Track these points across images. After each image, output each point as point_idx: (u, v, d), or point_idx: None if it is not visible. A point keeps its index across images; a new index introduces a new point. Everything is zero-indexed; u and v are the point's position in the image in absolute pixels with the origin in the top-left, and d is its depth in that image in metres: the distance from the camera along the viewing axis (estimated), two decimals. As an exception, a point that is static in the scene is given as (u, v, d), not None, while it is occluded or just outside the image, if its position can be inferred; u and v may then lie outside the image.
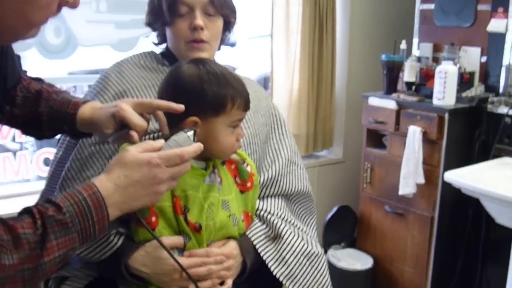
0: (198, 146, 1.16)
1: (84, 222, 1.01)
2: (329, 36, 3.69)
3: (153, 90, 1.52)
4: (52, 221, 0.98)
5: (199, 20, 1.49)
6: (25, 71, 1.45)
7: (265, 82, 4.35)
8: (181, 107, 1.24)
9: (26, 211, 1.00)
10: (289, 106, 3.65)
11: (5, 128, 2.95)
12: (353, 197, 3.86)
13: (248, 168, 1.45)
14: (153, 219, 1.29)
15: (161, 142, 1.15)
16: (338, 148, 4.05)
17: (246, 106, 1.34)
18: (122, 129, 1.25)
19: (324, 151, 4.03)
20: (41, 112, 1.37)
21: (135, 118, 1.24)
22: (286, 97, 3.63)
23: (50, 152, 3.18)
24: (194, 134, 1.21)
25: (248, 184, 1.44)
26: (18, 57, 1.39)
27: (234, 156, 1.43)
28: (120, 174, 1.07)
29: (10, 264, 0.92)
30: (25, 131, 1.45)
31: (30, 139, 3.12)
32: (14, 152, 3.11)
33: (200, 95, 1.27)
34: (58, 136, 1.54)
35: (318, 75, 3.72)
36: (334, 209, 3.71)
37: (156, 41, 1.65)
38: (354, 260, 3.57)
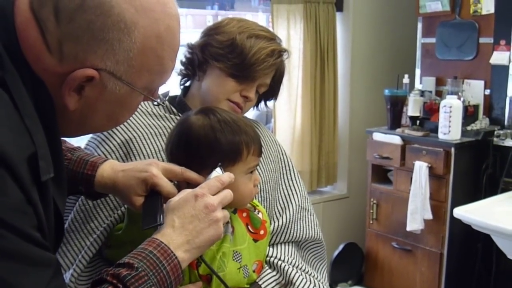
0: (229, 174, 1.17)
1: (159, 273, 0.99)
2: (331, 71, 3.69)
3: (159, 139, 1.49)
4: (131, 278, 0.96)
5: (252, 94, 1.53)
6: None
7: (267, 117, 4.33)
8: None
9: (100, 281, 0.97)
10: (292, 143, 3.62)
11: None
12: (359, 233, 3.80)
13: (260, 215, 1.41)
14: None
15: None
16: (342, 183, 4.02)
17: (260, 151, 1.31)
18: (151, 195, 1.20)
19: (328, 186, 4.00)
20: None
21: (168, 186, 1.20)
22: (288, 134, 3.61)
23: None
24: (221, 168, 1.21)
25: (261, 232, 1.40)
26: None
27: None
28: (173, 218, 1.06)
29: None
30: None
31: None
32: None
33: (215, 145, 1.24)
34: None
35: (320, 110, 3.71)
36: (341, 247, 3.66)
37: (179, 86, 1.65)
38: (362, 298, 3.50)
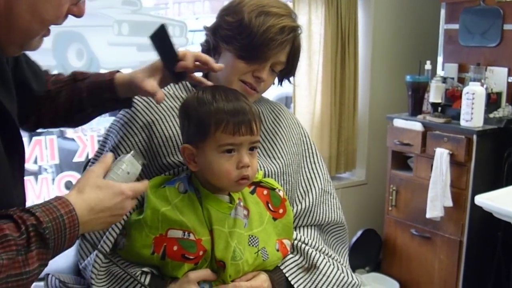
0: (145, 186, 1.20)
1: (59, 239, 1.03)
2: (351, 57, 3.66)
3: (181, 121, 1.49)
4: (34, 231, 0.99)
5: (264, 74, 1.49)
6: (46, 71, 1.48)
7: (286, 102, 4.32)
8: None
9: (6, 216, 1.00)
10: (312, 128, 3.61)
11: (27, 151, 2.94)
12: (377, 220, 3.79)
13: (281, 193, 1.41)
14: (201, 253, 1.26)
15: (109, 155, 1.22)
16: (361, 170, 4.00)
17: (236, 130, 1.23)
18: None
19: (347, 173, 3.99)
20: (80, 91, 1.38)
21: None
22: (308, 119, 3.60)
23: (71, 175, 3.16)
24: (133, 157, 1.22)
25: (281, 211, 1.40)
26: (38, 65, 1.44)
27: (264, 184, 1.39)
28: (95, 198, 1.11)
29: (1, 264, 0.93)
30: (68, 121, 1.47)
31: (50, 162, 3.11)
32: (36, 176, 3.10)
33: (188, 120, 1.28)
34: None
35: (340, 96, 3.69)
36: (359, 233, 3.65)
37: None
38: (379, 284, 3.50)
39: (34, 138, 3.00)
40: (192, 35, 3.61)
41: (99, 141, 3.19)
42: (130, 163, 1.21)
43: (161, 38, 1.24)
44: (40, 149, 3.03)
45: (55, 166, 3.22)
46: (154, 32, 1.26)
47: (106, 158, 1.20)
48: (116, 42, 3.17)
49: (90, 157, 3.10)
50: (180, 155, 1.42)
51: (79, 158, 3.16)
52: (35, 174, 3.14)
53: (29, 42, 1.12)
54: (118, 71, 1.39)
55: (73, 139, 3.22)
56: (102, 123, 3.25)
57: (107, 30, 3.11)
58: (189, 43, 3.51)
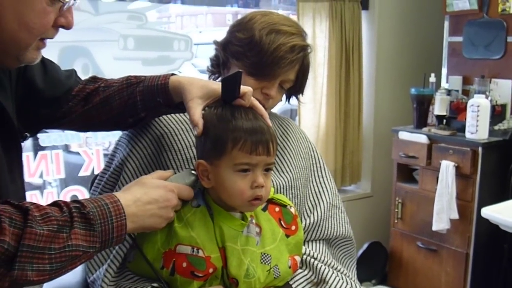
0: (190, 191, 1.26)
1: (105, 224, 1.08)
2: (356, 69, 3.67)
3: (190, 134, 1.49)
4: (77, 212, 1.06)
5: (273, 91, 1.50)
6: (76, 77, 1.48)
7: (291, 115, 4.33)
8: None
9: (52, 203, 1.07)
10: (317, 141, 3.61)
11: (33, 165, 2.95)
12: (383, 233, 3.79)
13: (292, 210, 1.41)
14: (211, 270, 1.24)
15: (170, 171, 1.29)
16: (366, 182, 4.00)
17: (253, 149, 1.22)
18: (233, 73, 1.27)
19: (352, 185, 3.99)
20: (134, 95, 1.38)
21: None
22: (313, 132, 3.60)
23: (76, 190, 3.17)
24: (196, 178, 1.28)
25: (293, 228, 1.39)
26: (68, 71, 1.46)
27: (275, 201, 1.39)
28: (140, 191, 1.17)
29: (41, 233, 0.99)
30: (118, 124, 1.47)
31: (56, 177, 3.11)
32: (41, 190, 3.11)
33: (205, 137, 1.26)
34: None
35: (345, 109, 3.70)
36: (365, 246, 3.64)
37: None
38: (386, 297, 3.48)
39: (40, 153, 3.01)
40: (196, 48, 3.63)
41: (105, 155, 3.21)
42: (186, 175, 1.29)
43: (232, 82, 1.24)
44: (46, 163, 3.04)
45: (59, 180, 3.22)
46: (229, 76, 1.26)
47: (165, 172, 1.29)
48: (121, 56, 3.18)
49: (95, 171, 3.14)
50: (190, 167, 1.42)
51: (84, 172, 3.16)
52: (40, 188, 3.14)
53: (23, 54, 1.14)
54: (173, 74, 1.37)
55: (78, 153, 3.22)
56: (107, 137, 3.25)
57: (112, 44, 3.12)
58: (194, 56, 3.53)
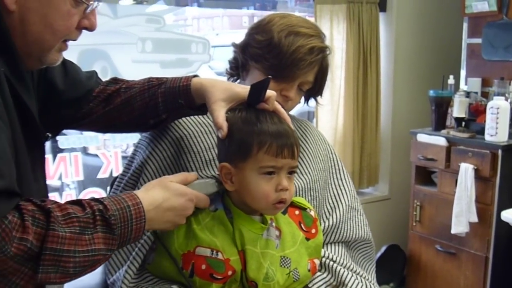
0: (207, 201, 1.27)
1: (125, 227, 1.10)
2: (373, 71, 3.66)
3: (210, 136, 1.49)
4: (100, 215, 1.07)
5: (292, 93, 1.51)
6: (97, 79, 1.49)
7: (308, 117, 4.32)
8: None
9: (75, 201, 1.08)
10: (334, 143, 3.61)
11: (52, 167, 2.98)
12: (401, 236, 3.76)
13: (312, 213, 1.40)
14: (229, 273, 1.25)
15: (193, 174, 1.29)
16: (384, 185, 3.98)
17: (279, 152, 1.22)
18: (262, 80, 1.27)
19: (370, 188, 3.97)
20: (156, 96, 1.38)
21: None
22: (331, 134, 3.59)
23: (95, 192, 3.18)
24: (219, 183, 1.28)
25: (313, 231, 1.39)
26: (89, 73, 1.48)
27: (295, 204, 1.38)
28: (162, 195, 1.18)
29: (63, 236, 1.00)
30: (139, 126, 1.48)
31: (75, 179, 3.13)
32: (60, 192, 3.13)
33: (229, 140, 1.25)
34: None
35: (363, 111, 3.69)
36: (383, 249, 3.62)
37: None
38: (405, 301, 3.46)
39: (59, 155, 3.03)
40: (212, 50, 3.64)
41: (123, 157, 3.23)
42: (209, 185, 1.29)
43: (260, 87, 1.24)
44: (65, 165, 3.06)
45: (77, 182, 3.24)
46: (258, 82, 1.26)
47: (189, 174, 1.29)
48: (139, 59, 3.20)
49: (114, 173, 3.16)
50: (208, 170, 1.43)
51: (103, 174, 3.18)
52: (58, 190, 3.16)
53: (46, 55, 1.16)
54: (195, 76, 1.38)
55: (96, 155, 3.24)
56: (125, 139, 3.27)
57: (131, 47, 3.15)
58: (211, 58, 3.54)
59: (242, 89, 1.29)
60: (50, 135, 1.35)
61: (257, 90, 1.25)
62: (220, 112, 1.25)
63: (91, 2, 1.16)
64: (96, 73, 1.50)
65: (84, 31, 1.21)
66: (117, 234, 1.09)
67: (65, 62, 1.40)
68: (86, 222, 1.04)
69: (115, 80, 1.49)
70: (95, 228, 1.05)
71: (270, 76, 1.27)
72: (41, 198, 1.05)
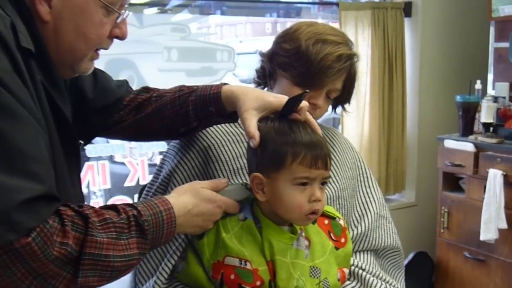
0: (236, 207, 1.28)
1: (157, 232, 1.13)
2: (399, 77, 3.64)
3: (238, 145, 1.49)
4: (135, 221, 1.09)
5: (320, 101, 1.51)
6: (128, 88, 1.51)
7: (334, 124, 4.31)
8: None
9: (110, 206, 1.11)
10: (360, 150, 3.59)
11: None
12: (428, 243, 3.73)
13: (341, 222, 1.40)
14: (258, 283, 1.24)
15: (224, 180, 1.31)
16: (411, 191, 3.95)
17: (313, 163, 1.21)
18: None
19: (396, 194, 3.94)
20: (186, 104, 1.39)
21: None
22: (356, 141, 3.58)
23: (122, 200, 3.21)
24: (249, 189, 1.29)
25: (342, 240, 1.38)
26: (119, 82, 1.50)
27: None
28: (192, 201, 1.21)
29: (101, 241, 1.02)
30: (171, 134, 1.49)
31: (102, 187, 3.16)
32: (87, 201, 3.16)
33: (262, 150, 1.24)
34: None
35: (388, 117, 3.67)
36: (411, 256, 3.59)
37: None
38: (433, 309, 3.43)
39: (86, 164, 3.07)
40: (237, 58, 3.66)
41: (149, 165, 3.25)
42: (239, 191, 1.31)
43: (296, 99, 1.25)
44: (92, 174, 3.09)
45: (104, 190, 3.27)
46: (296, 95, 1.26)
47: (220, 181, 1.31)
48: (165, 68, 3.23)
49: (141, 181, 3.18)
50: (237, 179, 1.43)
51: (130, 182, 3.21)
52: (85, 198, 3.19)
53: (78, 64, 1.19)
54: (225, 84, 1.38)
55: (123, 163, 3.27)
56: (151, 148, 3.29)
57: (156, 56, 3.17)
58: (236, 66, 3.55)
59: (274, 98, 1.29)
60: (82, 142, 1.37)
61: (293, 103, 1.25)
62: (252, 121, 1.25)
63: (122, 12, 1.18)
64: (127, 82, 1.52)
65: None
66: (150, 238, 1.11)
67: (95, 71, 1.42)
68: (121, 227, 1.07)
69: (146, 89, 1.50)
70: (130, 233, 1.08)
71: (307, 90, 1.28)
72: (78, 203, 1.07)
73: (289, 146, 1.21)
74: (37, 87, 1.06)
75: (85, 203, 1.13)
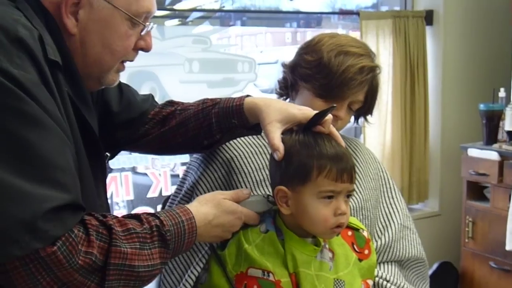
0: (256, 219, 1.28)
1: (178, 242, 1.14)
2: (421, 86, 3.62)
3: (260, 157, 1.50)
4: (157, 231, 1.10)
5: (342, 113, 1.52)
6: (153, 102, 1.53)
7: (355, 133, 4.29)
8: None
9: (133, 216, 1.12)
10: (382, 159, 3.57)
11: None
12: (453, 252, 3.69)
13: (365, 234, 1.39)
14: None
15: (247, 191, 1.30)
16: (434, 201, 3.91)
17: (338, 177, 1.20)
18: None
19: (419, 204, 3.90)
20: (210, 117, 1.40)
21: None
22: (378, 150, 3.56)
23: (145, 211, 3.21)
24: (270, 201, 1.29)
25: (366, 252, 1.37)
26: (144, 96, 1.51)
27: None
28: (213, 213, 1.22)
29: (125, 251, 1.03)
30: (195, 148, 1.49)
31: (125, 198, 3.18)
32: (111, 212, 3.17)
33: (287, 163, 1.22)
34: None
35: (411, 126, 3.64)
36: (435, 266, 3.55)
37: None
38: (459, 320, 3.38)
39: (109, 175, 3.09)
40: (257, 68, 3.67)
41: (172, 175, 3.27)
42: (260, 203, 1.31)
43: (322, 113, 1.25)
44: (116, 185, 3.11)
45: (127, 201, 3.29)
46: (323, 110, 1.26)
47: (242, 191, 1.31)
48: (187, 79, 3.24)
49: (163, 192, 3.20)
50: (259, 190, 1.43)
51: (152, 193, 3.22)
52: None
53: (105, 76, 1.21)
54: (248, 95, 1.38)
55: (145, 174, 3.29)
56: (173, 159, 3.31)
57: (178, 68, 3.19)
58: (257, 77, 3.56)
59: (298, 110, 1.28)
60: (109, 155, 1.39)
61: (320, 117, 1.25)
62: (276, 133, 1.24)
63: (147, 24, 1.20)
64: (152, 96, 1.53)
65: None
66: (171, 248, 1.13)
67: (121, 85, 1.44)
68: (144, 237, 1.08)
69: (170, 103, 1.52)
70: (153, 243, 1.09)
71: (335, 105, 1.28)
72: (102, 213, 1.08)
73: (314, 159, 1.20)
74: (64, 99, 1.08)
75: (111, 213, 1.14)
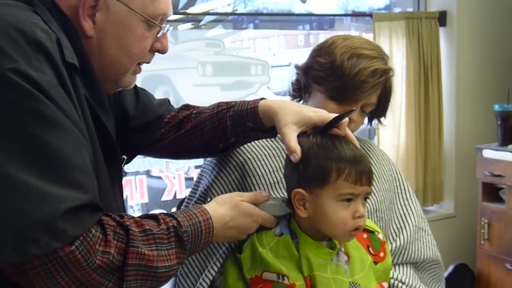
0: (273, 222, 1.28)
1: (195, 242, 1.15)
2: (435, 87, 3.61)
3: (274, 159, 1.50)
4: (174, 232, 1.11)
5: (355, 115, 1.51)
6: (169, 106, 1.54)
7: (369, 135, 4.28)
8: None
9: (151, 216, 1.12)
10: (396, 161, 3.56)
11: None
12: (468, 254, 3.66)
13: (380, 236, 1.38)
14: None
15: (266, 194, 1.31)
16: (449, 202, 3.89)
17: (357, 179, 1.20)
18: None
19: (434, 205, 3.88)
20: (225, 120, 1.40)
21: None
22: (393, 152, 3.55)
23: (160, 213, 3.23)
24: (288, 205, 1.28)
25: (381, 254, 1.36)
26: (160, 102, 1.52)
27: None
28: (230, 214, 1.23)
29: (142, 252, 1.03)
30: (209, 151, 1.49)
31: (140, 201, 3.19)
32: (125, 215, 3.19)
33: (305, 166, 1.22)
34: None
35: (425, 127, 3.63)
36: (451, 268, 3.53)
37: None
38: (475, 322, 3.36)
39: (124, 178, 3.10)
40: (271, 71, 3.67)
41: (186, 179, 3.28)
42: (278, 207, 1.30)
43: (341, 118, 1.25)
44: (130, 188, 3.13)
45: (141, 204, 3.30)
46: (342, 113, 1.27)
47: (261, 193, 1.31)
48: (200, 83, 3.26)
49: (177, 195, 3.21)
50: (274, 192, 1.43)
51: (167, 196, 3.23)
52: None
53: (121, 78, 1.22)
54: (262, 98, 1.39)
55: (160, 177, 3.30)
56: (187, 162, 3.32)
57: (191, 71, 3.21)
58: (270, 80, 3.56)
59: (314, 113, 1.28)
60: (125, 157, 1.40)
61: (338, 120, 1.25)
62: (292, 135, 1.24)
63: (163, 26, 1.21)
64: (168, 100, 1.54)
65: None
66: (188, 249, 1.13)
67: (137, 89, 1.45)
68: (161, 238, 1.08)
69: (186, 107, 1.53)
70: (170, 244, 1.10)
71: (354, 108, 1.29)
72: (119, 213, 1.09)
73: (333, 162, 1.19)
74: (81, 101, 1.09)
75: (127, 214, 1.15)
